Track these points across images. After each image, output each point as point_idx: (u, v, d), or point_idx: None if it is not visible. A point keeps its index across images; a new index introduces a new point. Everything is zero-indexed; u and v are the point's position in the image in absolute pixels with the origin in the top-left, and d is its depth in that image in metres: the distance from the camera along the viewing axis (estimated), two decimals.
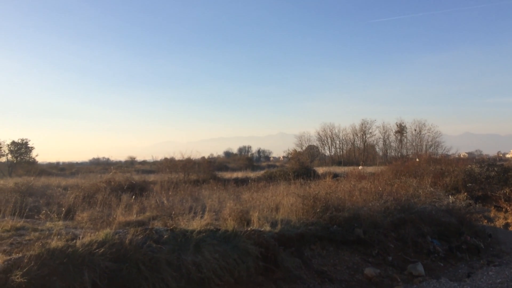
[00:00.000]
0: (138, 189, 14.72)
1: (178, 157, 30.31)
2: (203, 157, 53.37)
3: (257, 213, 9.07)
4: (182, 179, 24.63)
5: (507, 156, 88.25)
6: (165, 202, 10.68)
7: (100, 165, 61.54)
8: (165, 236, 6.45)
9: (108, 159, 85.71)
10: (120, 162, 77.52)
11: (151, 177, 26.01)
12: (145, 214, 9.54)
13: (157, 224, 7.71)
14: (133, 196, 11.59)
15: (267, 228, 8.50)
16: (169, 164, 29.80)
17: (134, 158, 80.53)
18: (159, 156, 47.48)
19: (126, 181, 16.39)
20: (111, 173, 18.51)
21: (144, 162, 74.66)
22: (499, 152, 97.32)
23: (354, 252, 9.60)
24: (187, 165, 28.13)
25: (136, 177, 21.15)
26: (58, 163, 72.85)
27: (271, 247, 7.57)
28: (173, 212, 8.81)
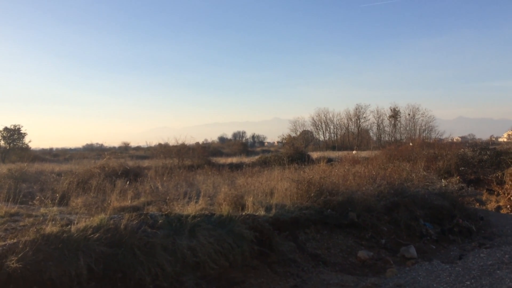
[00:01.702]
0: (133, 175, 14.71)
1: (172, 142, 30.33)
2: (198, 143, 53.42)
3: (251, 198, 9.12)
4: (176, 164, 24.63)
5: (500, 140, 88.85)
6: (160, 187, 10.70)
7: (93, 151, 61.40)
8: (160, 221, 6.48)
9: (101, 145, 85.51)
10: (114, 148, 77.24)
11: (146, 163, 25.99)
12: (139, 199, 9.55)
13: (152, 209, 7.74)
14: (128, 182, 11.59)
15: (262, 212, 8.56)
16: (163, 150, 29.80)
17: (128, 144, 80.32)
18: (153, 142, 47.36)
19: (120, 166, 16.38)
20: (105, 158, 18.47)
21: (138, 148, 74.47)
22: (491, 136, 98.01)
23: (348, 235, 9.71)
24: (182, 150, 28.10)
25: (130, 163, 21.16)
26: (51, 149, 72.58)
27: (266, 231, 7.63)
28: (168, 198, 8.84)
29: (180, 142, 29.32)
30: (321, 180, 11.25)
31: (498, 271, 7.28)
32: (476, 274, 7.21)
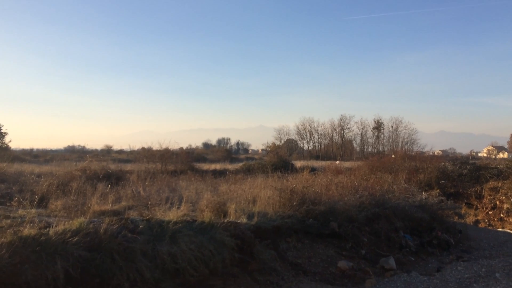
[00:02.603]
0: (114, 178, 14.56)
1: (156, 147, 30.06)
2: (182, 148, 53.10)
3: (234, 205, 9.11)
4: (159, 169, 24.43)
5: (480, 154, 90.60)
6: (142, 192, 10.60)
7: (75, 153, 60.41)
8: (140, 226, 6.41)
9: (83, 147, 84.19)
10: (96, 150, 76.26)
11: (128, 167, 25.69)
12: (120, 203, 9.44)
13: (133, 214, 7.67)
14: (109, 185, 11.46)
15: (244, 220, 8.54)
16: (146, 154, 29.49)
17: (111, 147, 79.41)
18: (137, 146, 46.89)
19: (102, 169, 16.19)
20: (87, 161, 18.24)
21: (121, 151, 73.59)
22: (472, 150, 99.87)
23: (328, 245, 9.75)
24: (165, 155, 27.89)
25: (112, 166, 20.91)
26: (32, 150, 71.15)
27: (247, 239, 7.62)
28: (150, 202, 8.77)
29: (163, 146, 29.11)
30: (304, 189, 11.30)
31: (474, 285, 7.40)
32: (453, 286, 7.31)
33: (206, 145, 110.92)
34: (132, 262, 5.72)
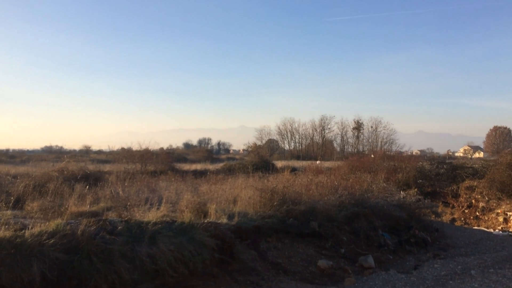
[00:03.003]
0: (93, 179, 14.35)
1: (135, 147, 29.78)
2: (162, 148, 52.75)
3: (214, 205, 9.08)
4: (139, 170, 24.20)
5: (456, 154, 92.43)
6: (121, 193, 10.48)
7: (52, 154, 59.45)
8: (119, 227, 6.35)
9: (61, 147, 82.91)
10: (74, 151, 75.15)
11: (107, 167, 25.40)
12: (99, 205, 9.31)
13: (112, 215, 7.58)
14: (87, 186, 11.29)
15: (224, 220, 8.53)
16: (126, 154, 29.20)
17: (89, 147, 78.25)
18: (116, 146, 46.38)
19: (80, 170, 15.95)
20: (64, 162, 17.92)
21: (99, 152, 72.65)
22: (449, 150, 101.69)
23: (308, 244, 9.82)
24: (145, 155, 27.64)
25: (91, 167, 20.64)
26: (7, 150, 69.75)
27: (228, 239, 7.61)
28: (129, 203, 8.67)
29: (143, 147, 28.84)
30: (284, 189, 11.34)
31: (451, 282, 7.56)
32: (430, 284, 7.45)
33: (187, 145, 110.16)
34: (111, 263, 5.66)
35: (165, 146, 73.60)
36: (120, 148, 37.37)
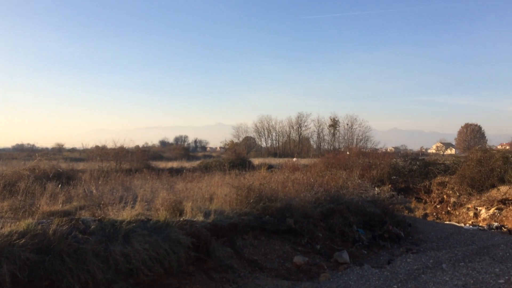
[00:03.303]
0: (65, 178, 14.05)
1: (110, 145, 29.30)
2: (137, 146, 52.09)
3: (190, 203, 9.03)
4: (113, 168, 23.84)
5: (429, 151, 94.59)
6: (94, 191, 10.30)
7: (24, 152, 57.86)
8: (92, 227, 6.24)
9: (33, 145, 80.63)
10: (46, 149, 73.31)
11: (80, 166, 24.89)
12: (72, 204, 9.14)
13: (85, 214, 7.44)
14: (59, 185, 11.05)
15: (200, 218, 8.49)
16: (100, 152, 28.65)
17: (62, 145, 76.52)
18: (90, 144, 45.49)
19: (52, 169, 15.60)
20: (36, 160, 17.50)
21: (73, 150, 71.19)
22: (422, 147, 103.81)
23: (284, 241, 9.88)
24: (120, 153, 27.23)
25: (64, 165, 20.20)
26: None
27: (203, 237, 7.58)
28: (102, 202, 8.53)
29: (118, 144, 28.45)
30: (260, 186, 11.37)
31: (423, 275, 7.72)
32: (403, 278, 7.59)
33: (163, 143, 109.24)
34: (83, 263, 5.56)
35: (140, 144, 72.88)
36: (94, 146, 36.65)
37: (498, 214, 16.22)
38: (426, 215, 19.89)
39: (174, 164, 33.06)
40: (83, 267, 5.52)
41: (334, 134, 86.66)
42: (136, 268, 5.97)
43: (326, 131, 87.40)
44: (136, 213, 7.37)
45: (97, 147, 33.90)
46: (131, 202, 8.13)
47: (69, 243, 5.66)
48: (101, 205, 8.26)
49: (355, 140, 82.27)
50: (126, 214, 7.07)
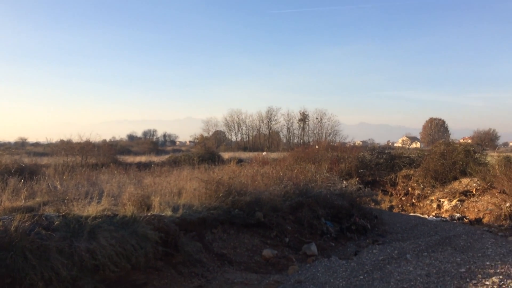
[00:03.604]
0: (28, 173, 13.61)
1: (76, 139, 28.58)
2: (104, 140, 50.99)
3: (158, 198, 8.92)
4: (79, 163, 23.27)
5: (395, 145, 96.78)
6: (59, 186, 10.04)
7: None
8: (56, 223, 6.08)
9: None
10: (9, 143, 70.76)
11: (44, 160, 24.18)
12: (35, 199, 8.87)
13: (48, 210, 7.24)
14: (22, 180, 10.70)
15: (169, 213, 8.42)
16: (65, 147, 27.91)
17: (26, 139, 74.20)
18: (55, 138, 44.23)
19: (14, 163, 15.09)
20: None
21: (37, 144, 68.92)
22: (388, 141, 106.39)
23: (254, 234, 9.93)
24: (86, 148, 26.60)
25: (27, 160, 19.60)
26: None
27: (172, 232, 7.52)
28: (67, 198, 8.33)
29: (84, 139, 27.75)
30: (230, 180, 11.35)
31: (388, 266, 7.92)
32: (369, 268, 7.77)
33: (131, 137, 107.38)
34: (47, 260, 5.42)
35: (107, 138, 71.40)
36: (59, 140, 35.67)
37: (460, 206, 16.83)
38: (392, 207, 20.43)
39: (143, 159, 32.60)
40: (46, 264, 5.37)
41: (303, 128, 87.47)
42: (102, 264, 5.87)
43: (295, 125, 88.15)
44: (102, 208, 7.22)
45: (62, 141, 33.07)
46: (97, 198, 7.97)
47: (32, 239, 5.50)
48: (65, 200, 8.06)
49: (324, 134, 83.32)
50: (91, 210, 6.93)
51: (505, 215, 13.12)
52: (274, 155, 35.86)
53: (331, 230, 11.61)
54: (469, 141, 58.44)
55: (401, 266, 7.83)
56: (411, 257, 8.55)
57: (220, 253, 8.58)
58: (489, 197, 15.38)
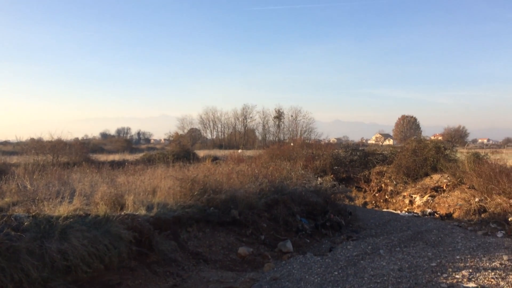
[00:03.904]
0: None
1: (46, 137, 27.91)
2: (77, 138, 49.95)
3: (132, 197, 8.81)
4: (50, 161, 22.74)
5: (369, 142, 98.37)
6: (29, 186, 9.77)
7: None
8: (26, 223, 5.92)
9: None
10: None
11: (14, 159, 23.57)
12: (4, 199, 8.63)
13: (18, 211, 7.04)
14: None
15: (143, 212, 8.32)
16: (35, 145, 27.20)
17: None
18: (25, 136, 43.03)
19: None
20: None
21: (6, 143, 66.80)
22: (362, 138, 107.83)
23: (229, 232, 9.91)
24: (57, 146, 26.02)
25: None
26: None
27: (146, 231, 7.44)
28: (37, 197, 8.11)
29: (55, 137, 27.15)
30: (205, 178, 11.30)
31: (362, 261, 8.05)
32: (343, 264, 7.87)
33: (104, 135, 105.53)
34: (17, 262, 5.28)
35: (80, 136, 70.12)
36: (29, 138, 34.73)
37: (431, 201, 17.22)
38: (365, 203, 20.74)
39: (116, 157, 32.15)
40: (16, 265, 5.24)
41: (279, 126, 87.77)
42: (74, 265, 5.75)
43: (271, 122, 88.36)
44: (73, 208, 7.08)
45: (32, 139, 32.23)
46: (69, 197, 7.81)
47: (1, 240, 5.34)
48: (36, 200, 7.85)
49: (299, 132, 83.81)
50: (63, 210, 6.78)
51: (474, 210, 13.49)
52: (249, 152, 35.88)
53: (306, 227, 11.71)
54: (440, 138, 59.94)
55: (375, 261, 7.97)
56: (384, 252, 8.72)
57: (196, 251, 8.54)
58: (459, 193, 15.78)
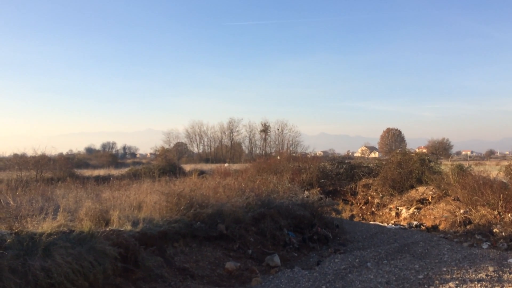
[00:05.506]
0: None
1: (30, 152, 27.52)
2: (61, 153, 49.37)
3: (117, 212, 8.68)
4: (34, 177, 22.37)
5: (355, 154, 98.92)
6: (11, 202, 9.57)
7: None
8: (8, 241, 5.79)
9: None
10: None
11: None
12: None
13: (0, 227, 6.89)
14: None
15: (128, 227, 8.20)
16: (18, 161, 26.78)
17: None
18: (8, 152, 42.39)
19: None
20: None
21: None
22: (348, 151, 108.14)
23: (216, 247, 9.83)
24: (41, 161, 25.64)
25: None
26: None
27: (131, 247, 7.32)
28: (20, 214, 7.94)
29: (39, 152, 26.75)
30: (191, 192, 11.23)
31: (349, 275, 8.05)
32: (331, 278, 7.86)
33: (89, 150, 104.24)
34: None
35: (64, 151, 69.24)
36: (12, 154, 34.22)
37: (417, 213, 17.36)
38: (352, 216, 20.82)
39: (101, 172, 31.78)
40: None
41: (265, 139, 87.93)
42: (58, 282, 5.62)
43: (257, 136, 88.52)
44: (57, 224, 6.94)
45: (15, 155, 31.80)
46: (53, 213, 7.65)
47: None
48: (18, 217, 7.69)
49: (285, 145, 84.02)
50: (46, 226, 6.64)
51: (460, 221, 13.63)
52: (236, 166, 35.82)
53: (294, 241, 11.67)
54: (424, 150, 60.64)
55: (362, 274, 7.98)
56: (371, 265, 8.73)
57: (182, 267, 8.43)
58: (444, 205, 15.94)
